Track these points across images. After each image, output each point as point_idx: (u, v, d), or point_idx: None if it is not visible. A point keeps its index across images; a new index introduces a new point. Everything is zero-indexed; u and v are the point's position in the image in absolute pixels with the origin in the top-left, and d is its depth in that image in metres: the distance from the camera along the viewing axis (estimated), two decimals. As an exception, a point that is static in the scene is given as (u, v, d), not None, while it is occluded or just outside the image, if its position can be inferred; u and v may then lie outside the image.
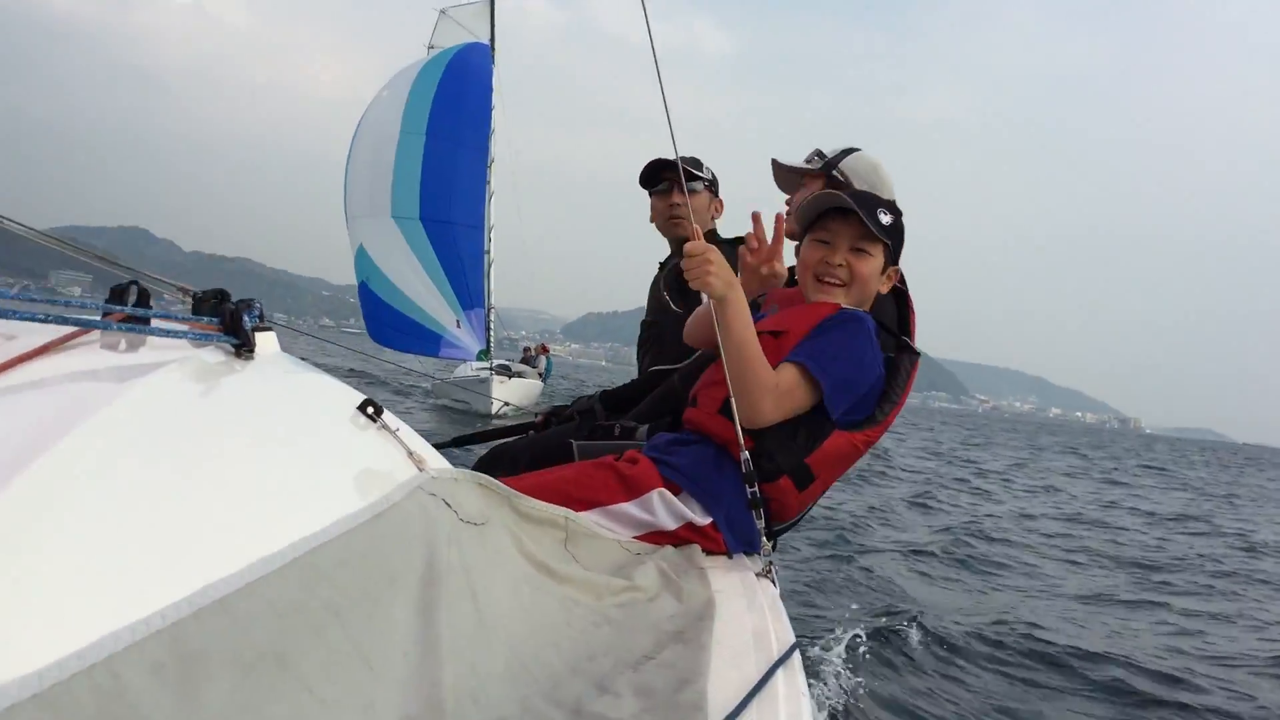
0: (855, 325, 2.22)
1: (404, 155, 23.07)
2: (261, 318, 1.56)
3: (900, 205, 2.50)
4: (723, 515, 2.10)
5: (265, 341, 1.46)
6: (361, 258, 23.47)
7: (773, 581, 1.94)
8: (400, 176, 22.98)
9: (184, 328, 1.28)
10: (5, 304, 1.08)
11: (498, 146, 28.15)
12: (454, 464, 1.52)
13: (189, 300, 3.64)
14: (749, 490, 1.99)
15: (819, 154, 2.80)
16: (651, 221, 3.59)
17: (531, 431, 3.35)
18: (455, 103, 23.74)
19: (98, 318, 1.29)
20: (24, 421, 0.91)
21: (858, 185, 2.72)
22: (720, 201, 3.54)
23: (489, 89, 25.52)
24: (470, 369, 24.76)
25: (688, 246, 2.06)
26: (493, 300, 26.27)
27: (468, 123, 23.92)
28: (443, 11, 30.34)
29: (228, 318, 1.34)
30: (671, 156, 3.45)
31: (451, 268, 23.00)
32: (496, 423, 21.01)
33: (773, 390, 2.06)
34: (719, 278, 2.04)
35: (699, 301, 3.03)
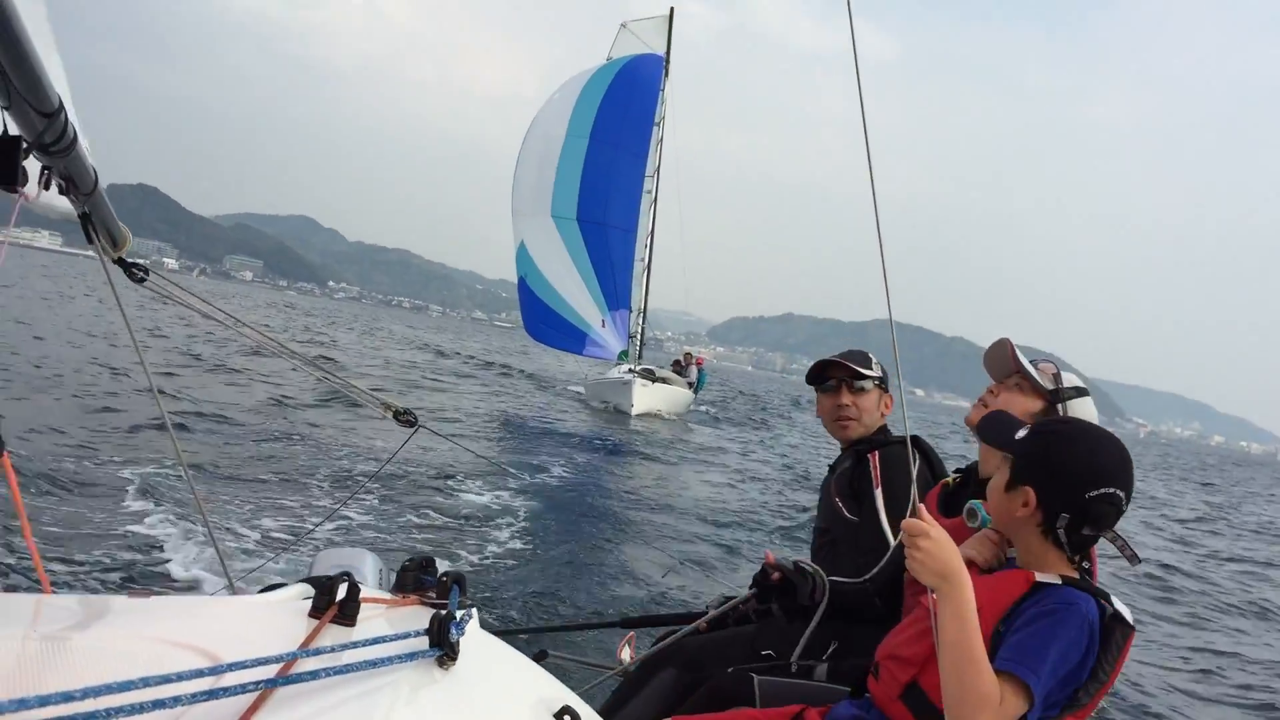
0: (1067, 614, 1.86)
1: (567, 157, 24.14)
2: (463, 586, 1.63)
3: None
4: None
5: (471, 625, 1.52)
6: (522, 254, 24.53)
7: None
8: (562, 177, 24.02)
9: (390, 652, 1.30)
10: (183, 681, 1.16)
11: (664, 155, 28.80)
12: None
13: (389, 414, 3.80)
14: None
15: (1057, 376, 2.60)
16: (818, 416, 3.48)
17: (702, 623, 3.27)
18: (621, 109, 24.62)
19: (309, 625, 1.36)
20: None
21: None
22: (890, 398, 3.38)
23: (655, 98, 26.25)
24: (619, 371, 25.23)
25: (904, 524, 1.86)
26: (646, 303, 26.89)
27: (631, 129, 24.75)
28: (623, 25, 31.47)
29: (435, 629, 1.38)
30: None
31: (602, 268, 23.88)
32: (638, 428, 21.67)
33: (994, 707, 1.75)
34: (930, 568, 1.81)
35: (874, 509, 2.97)
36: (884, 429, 3.33)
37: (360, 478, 11.68)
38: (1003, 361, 2.64)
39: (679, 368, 30.45)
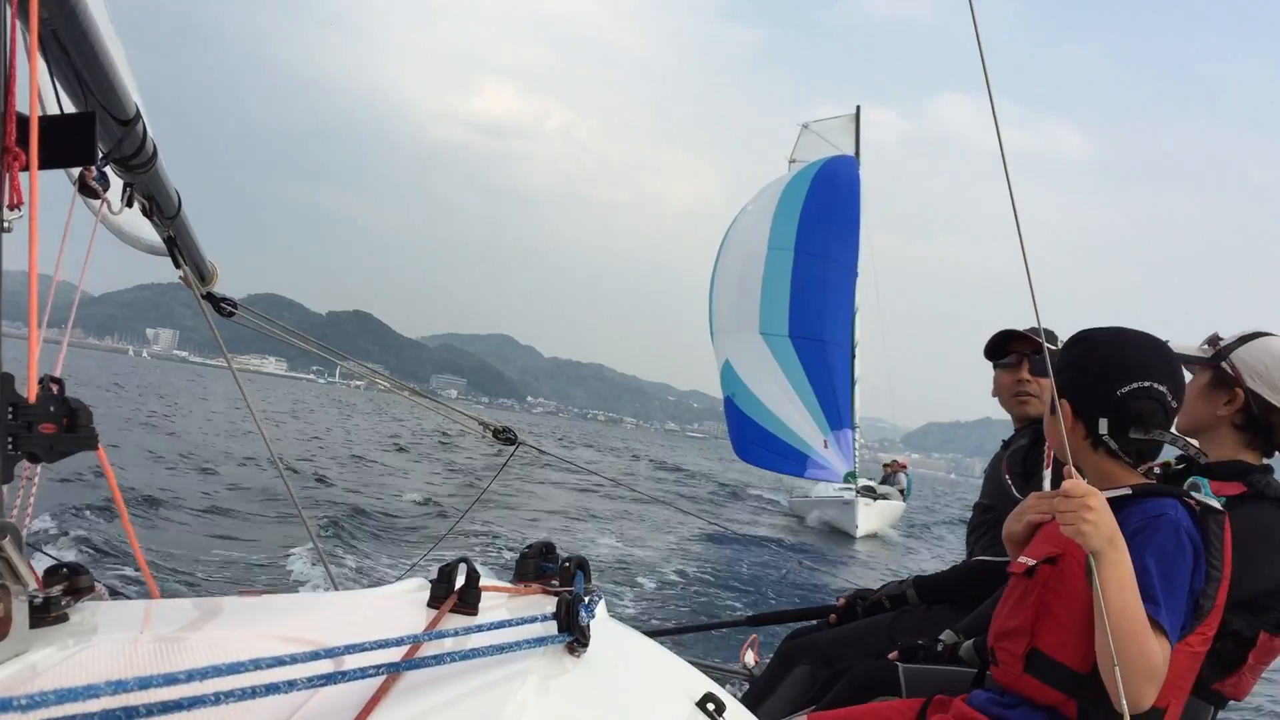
0: (1158, 529, 1.85)
1: (772, 271, 23.13)
2: (586, 572, 1.56)
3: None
4: None
5: (599, 609, 1.45)
6: (728, 373, 23.62)
7: None
8: (768, 293, 23.03)
9: (518, 636, 1.22)
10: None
11: (861, 260, 27.47)
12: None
13: (488, 434, 3.76)
14: None
15: (1212, 341, 2.47)
16: (994, 396, 3.41)
17: (833, 616, 3.26)
18: (823, 217, 23.50)
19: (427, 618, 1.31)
20: None
21: (1250, 380, 2.33)
22: None
23: (856, 204, 24.97)
24: (831, 488, 23.80)
25: (1066, 484, 1.80)
26: (857, 419, 25.42)
27: (836, 238, 23.58)
28: (805, 126, 30.48)
29: (563, 613, 1.27)
30: (1017, 327, 3.26)
31: (821, 387, 22.52)
32: (860, 544, 20.41)
33: (1157, 673, 1.74)
34: (1102, 532, 1.75)
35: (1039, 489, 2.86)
36: None
37: (460, 497, 13.14)
38: None
39: (888, 474, 28.70)
